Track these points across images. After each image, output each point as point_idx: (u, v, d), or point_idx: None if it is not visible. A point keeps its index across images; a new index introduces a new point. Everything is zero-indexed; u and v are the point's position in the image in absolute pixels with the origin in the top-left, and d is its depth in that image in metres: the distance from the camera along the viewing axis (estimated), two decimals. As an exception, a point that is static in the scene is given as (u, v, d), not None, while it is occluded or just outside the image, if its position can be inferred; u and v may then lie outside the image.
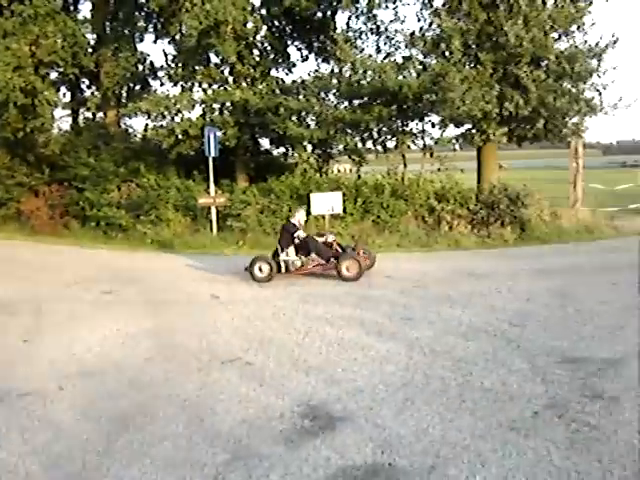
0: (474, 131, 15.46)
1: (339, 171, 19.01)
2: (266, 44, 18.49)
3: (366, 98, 16.48)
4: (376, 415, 5.01)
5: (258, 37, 18.03)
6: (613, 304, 8.27)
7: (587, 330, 7.11)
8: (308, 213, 14.75)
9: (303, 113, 17.15)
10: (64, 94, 22.23)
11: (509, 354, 6.35)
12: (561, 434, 4.56)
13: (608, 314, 7.80)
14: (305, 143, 17.62)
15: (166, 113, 17.80)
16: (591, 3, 15.31)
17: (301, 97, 17.53)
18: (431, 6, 15.85)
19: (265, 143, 19.88)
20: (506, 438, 4.53)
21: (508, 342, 6.74)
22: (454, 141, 16.25)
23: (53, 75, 20.47)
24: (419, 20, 16.04)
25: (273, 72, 18.96)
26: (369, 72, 15.99)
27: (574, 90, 15.28)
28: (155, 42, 20.19)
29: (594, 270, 10.78)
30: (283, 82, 18.67)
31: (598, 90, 15.44)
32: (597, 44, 14.99)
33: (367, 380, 5.79)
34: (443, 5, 15.25)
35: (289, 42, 19.14)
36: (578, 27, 15.37)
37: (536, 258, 12.14)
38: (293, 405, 5.29)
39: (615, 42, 15.06)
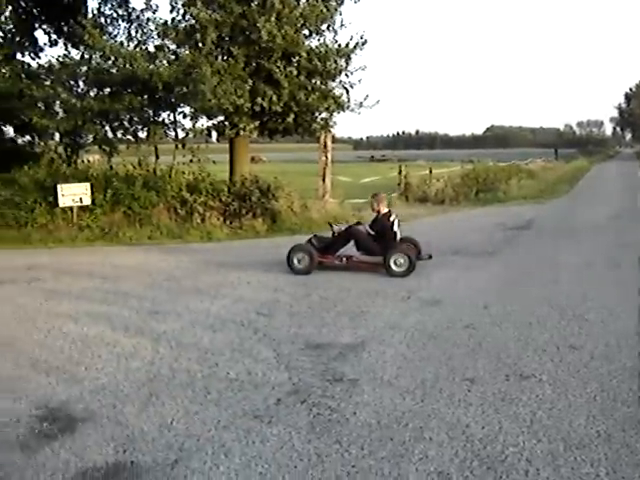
0: (226, 124, 15.51)
1: (89, 161, 18.17)
2: (11, 26, 17.19)
3: (116, 87, 15.87)
4: (119, 413, 4.78)
5: (2, 18, 16.71)
6: (354, 290, 8.63)
7: (330, 316, 7.34)
8: (55, 205, 14.05)
9: (50, 101, 16.16)
10: None
11: (255, 343, 6.37)
12: (303, 419, 4.62)
13: (350, 300, 8.12)
14: (52, 132, 16.68)
15: None
16: (341, 3, 15.95)
17: (48, 83, 16.52)
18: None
19: (9, 131, 18.50)
20: (249, 427, 4.51)
21: (255, 332, 6.77)
22: (206, 133, 16.19)
23: None
24: (172, 10, 15.75)
25: (19, 56, 17.71)
26: (120, 60, 15.38)
27: (324, 87, 15.84)
28: None
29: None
30: (29, 66, 17.50)
31: (346, 88, 16.16)
32: (347, 44, 15.66)
33: (111, 377, 5.52)
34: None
35: (36, 25, 17.96)
36: (328, 26, 15.96)
37: (284, 248, 12.37)
38: (31, 408, 4.91)
39: (364, 43, 15.84)
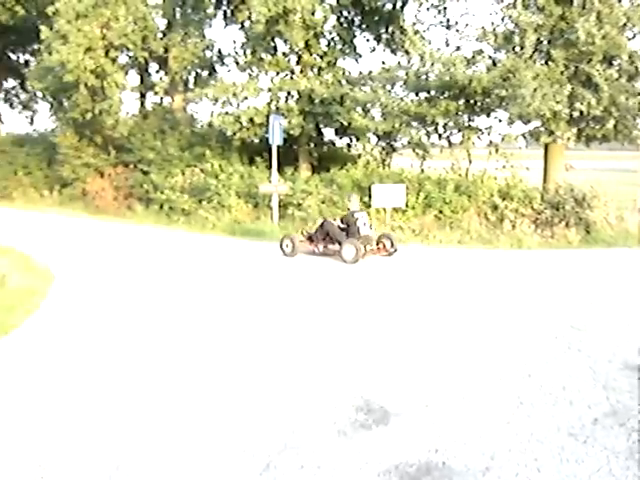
0: (542, 129, 15.14)
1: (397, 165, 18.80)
2: (334, 34, 18.41)
3: (433, 91, 16.25)
4: (430, 412, 4.93)
5: (326, 27, 17.94)
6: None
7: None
8: (369, 205, 14.73)
9: (369, 105, 17.02)
10: (133, 77, 22.60)
11: (569, 358, 6.18)
12: (622, 443, 4.39)
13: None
14: (369, 135, 17.54)
15: (233, 100, 17.91)
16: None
17: (367, 88, 17.40)
18: (502, 0, 15.56)
19: (329, 133, 19.81)
20: (564, 444, 4.39)
21: (569, 346, 6.57)
22: (521, 139, 15.96)
23: (123, 58, 20.80)
24: (490, 14, 15.78)
25: (340, 62, 18.92)
26: (437, 65, 15.70)
27: (647, 91, 14.86)
28: (225, 28, 20.34)
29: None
30: (350, 73, 18.60)
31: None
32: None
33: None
34: (517, -1, 14.95)
35: (357, 33, 19.04)
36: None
37: (604, 261, 11.85)
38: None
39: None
